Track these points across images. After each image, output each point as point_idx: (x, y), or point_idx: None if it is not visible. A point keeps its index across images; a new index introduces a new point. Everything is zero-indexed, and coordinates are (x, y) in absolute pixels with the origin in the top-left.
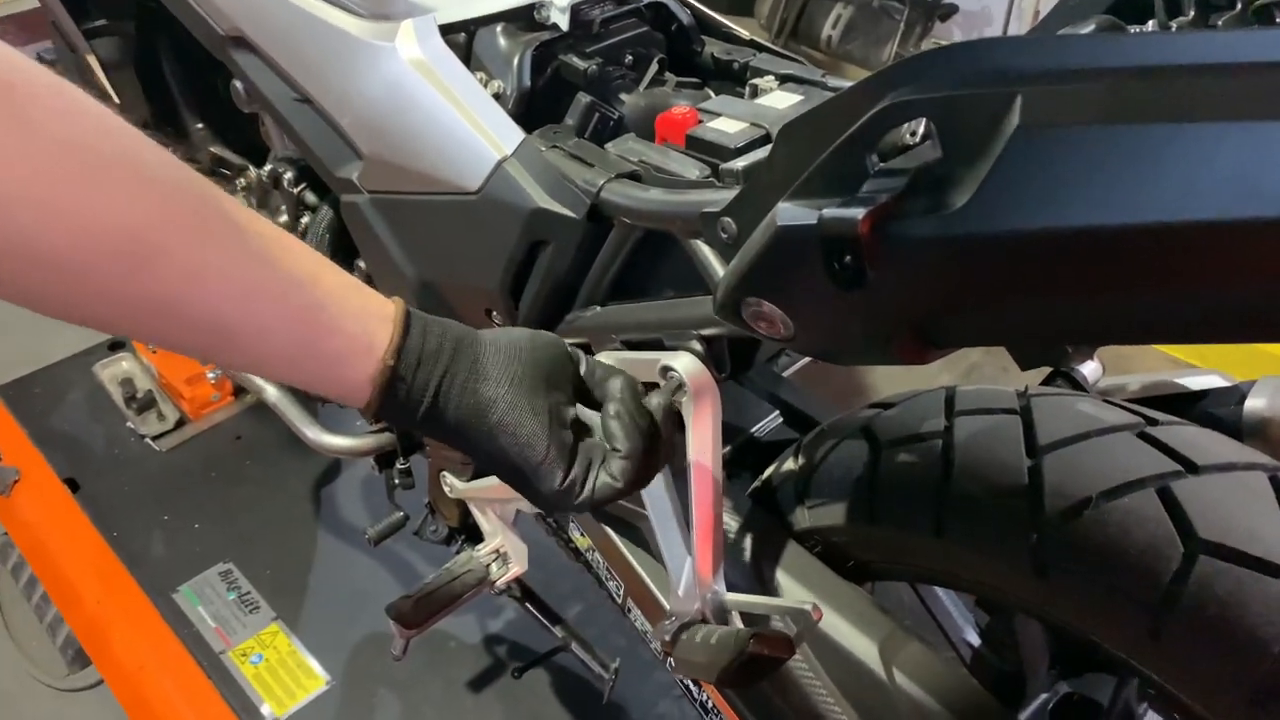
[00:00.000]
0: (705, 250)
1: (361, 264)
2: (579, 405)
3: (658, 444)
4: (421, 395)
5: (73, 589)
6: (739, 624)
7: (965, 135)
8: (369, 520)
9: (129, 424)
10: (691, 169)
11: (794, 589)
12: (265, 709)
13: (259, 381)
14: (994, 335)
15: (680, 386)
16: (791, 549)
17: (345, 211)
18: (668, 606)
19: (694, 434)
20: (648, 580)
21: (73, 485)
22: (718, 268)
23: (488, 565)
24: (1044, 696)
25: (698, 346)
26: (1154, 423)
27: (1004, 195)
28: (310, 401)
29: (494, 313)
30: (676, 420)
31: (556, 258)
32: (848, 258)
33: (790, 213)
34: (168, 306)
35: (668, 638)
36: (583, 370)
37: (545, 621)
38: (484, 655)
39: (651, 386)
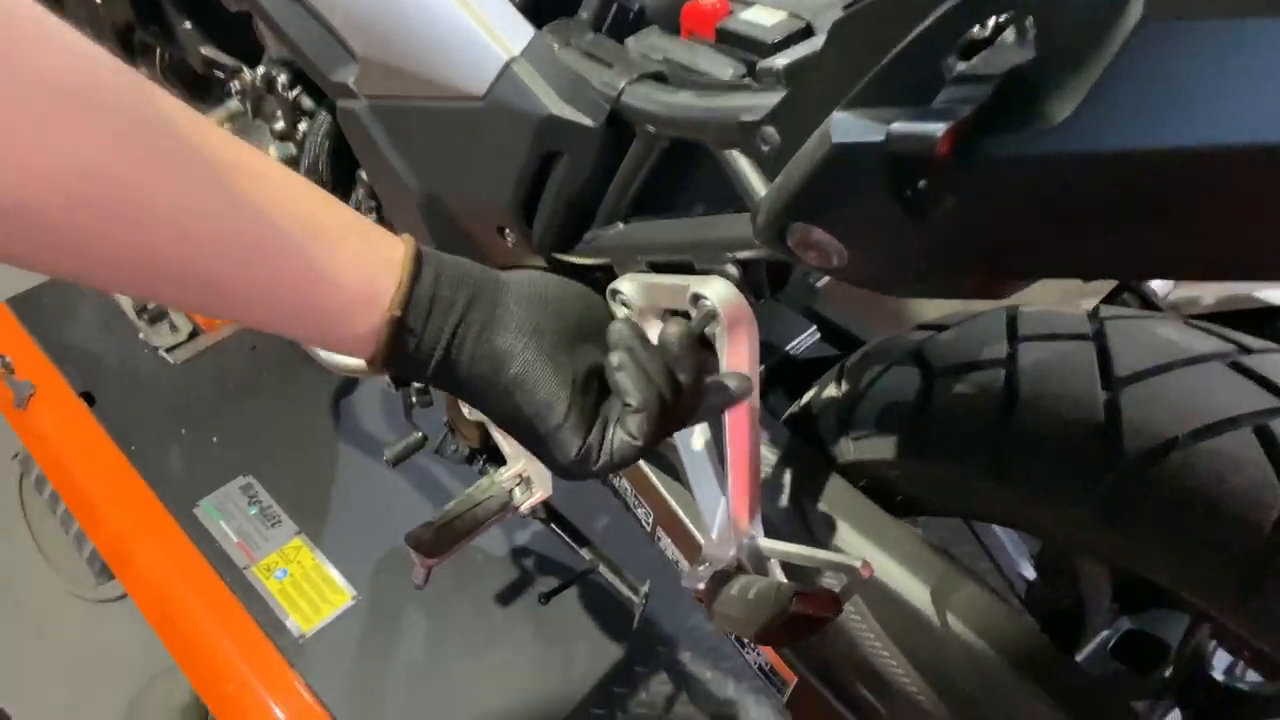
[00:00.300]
0: (743, 163)
1: (365, 175)
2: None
3: (679, 386)
4: (433, 347)
5: (92, 505)
6: (779, 575)
7: (1069, 30)
8: (391, 431)
9: (141, 336)
10: (724, 67)
11: (838, 529)
12: (291, 624)
13: None
14: (1089, 266)
15: (713, 315)
16: (834, 484)
17: (342, 119)
18: (700, 543)
19: (728, 364)
20: (679, 511)
21: (89, 399)
22: (757, 184)
23: (510, 490)
24: (1105, 634)
25: (732, 270)
26: (1247, 350)
27: (1119, 107)
28: None
29: (507, 231)
30: (709, 350)
31: (572, 171)
32: (920, 182)
33: (848, 126)
34: (149, 262)
35: (701, 586)
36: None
37: (572, 544)
38: (512, 570)
39: (683, 314)
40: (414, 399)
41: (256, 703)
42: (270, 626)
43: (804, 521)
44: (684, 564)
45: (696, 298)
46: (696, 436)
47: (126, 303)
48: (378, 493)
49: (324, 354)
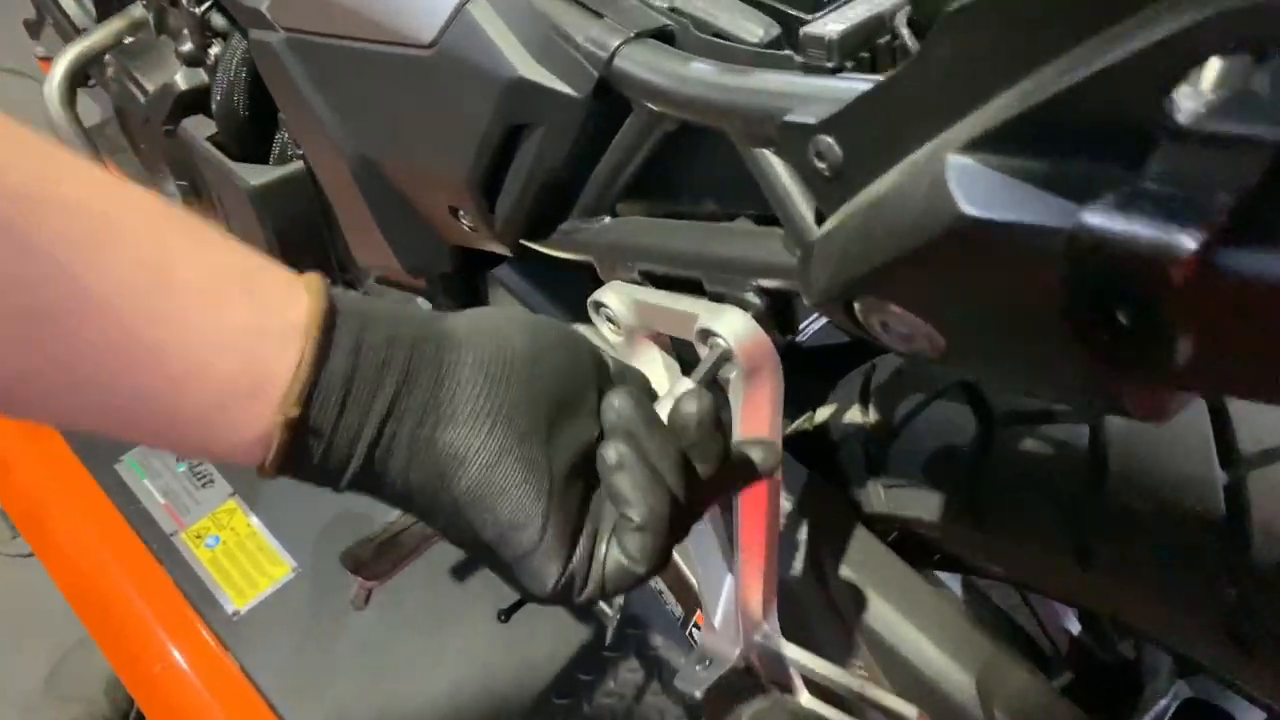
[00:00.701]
0: (777, 167)
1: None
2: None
3: (697, 483)
4: (348, 454)
5: None
6: (802, 692)
7: None
8: None
9: None
10: (753, 25)
11: (865, 601)
12: (224, 598)
13: None
14: None
15: (727, 358)
16: (860, 540)
17: (255, 52)
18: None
19: (744, 423)
20: (679, 562)
21: None
22: (800, 204)
23: None
24: (1162, 704)
25: (753, 299)
26: None
27: None
28: None
29: (461, 213)
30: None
31: (546, 148)
32: (1119, 301)
33: (984, 190)
34: None
35: (698, 693)
36: (612, 367)
37: None
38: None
39: (683, 343)
40: None
41: (183, 686)
42: (200, 601)
43: (822, 587)
44: (676, 608)
45: (706, 334)
46: None
47: None
48: None
49: None
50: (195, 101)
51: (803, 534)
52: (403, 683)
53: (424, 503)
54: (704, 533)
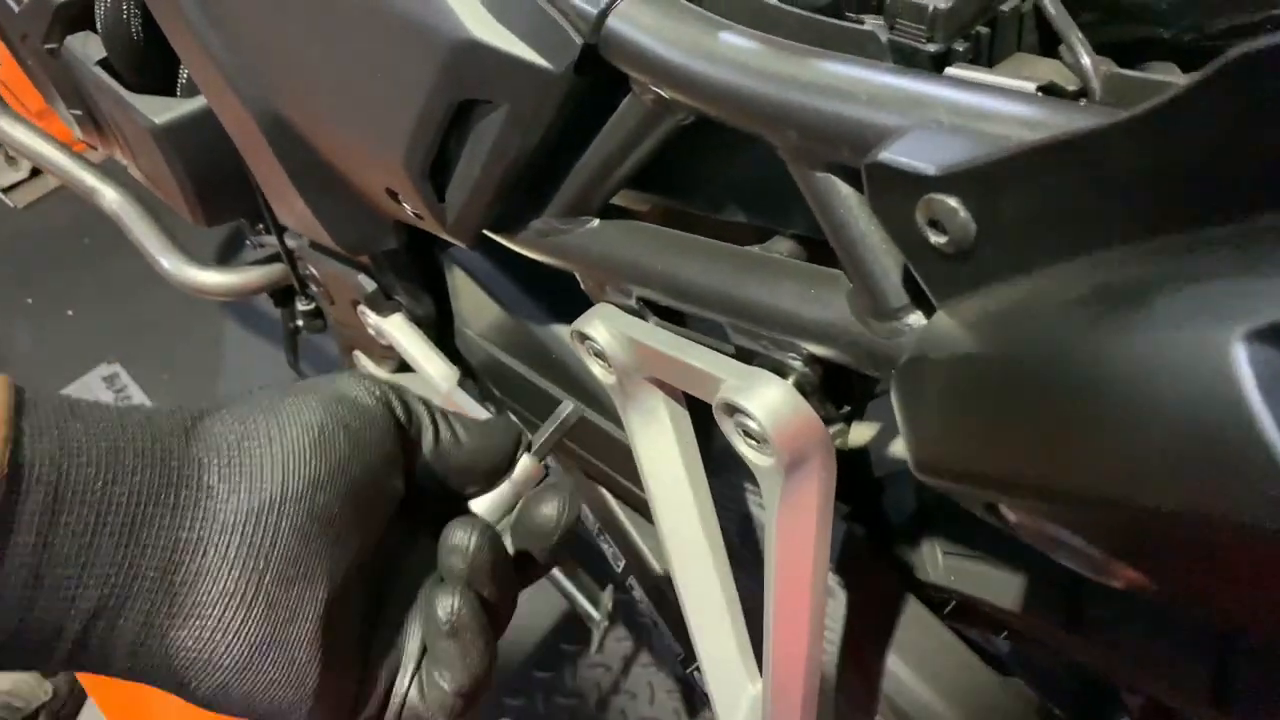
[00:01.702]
0: (848, 199)
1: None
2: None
3: (492, 632)
4: (46, 651)
5: None
6: None
7: None
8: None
9: None
10: None
11: (921, 693)
12: None
13: (89, 176)
14: None
15: (759, 440)
16: (914, 614)
17: None
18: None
19: (780, 527)
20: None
21: None
22: (879, 255)
23: None
24: None
25: (801, 365)
26: None
27: None
28: (167, 212)
29: (401, 198)
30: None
31: (509, 133)
32: None
33: None
34: None
35: None
36: (427, 449)
37: None
38: None
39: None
40: (299, 322)
41: None
42: None
43: (864, 678)
44: (674, 644)
45: (732, 409)
46: (718, 597)
47: None
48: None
49: (168, 263)
50: (80, 15)
51: (839, 609)
52: None
53: (164, 688)
54: (721, 635)
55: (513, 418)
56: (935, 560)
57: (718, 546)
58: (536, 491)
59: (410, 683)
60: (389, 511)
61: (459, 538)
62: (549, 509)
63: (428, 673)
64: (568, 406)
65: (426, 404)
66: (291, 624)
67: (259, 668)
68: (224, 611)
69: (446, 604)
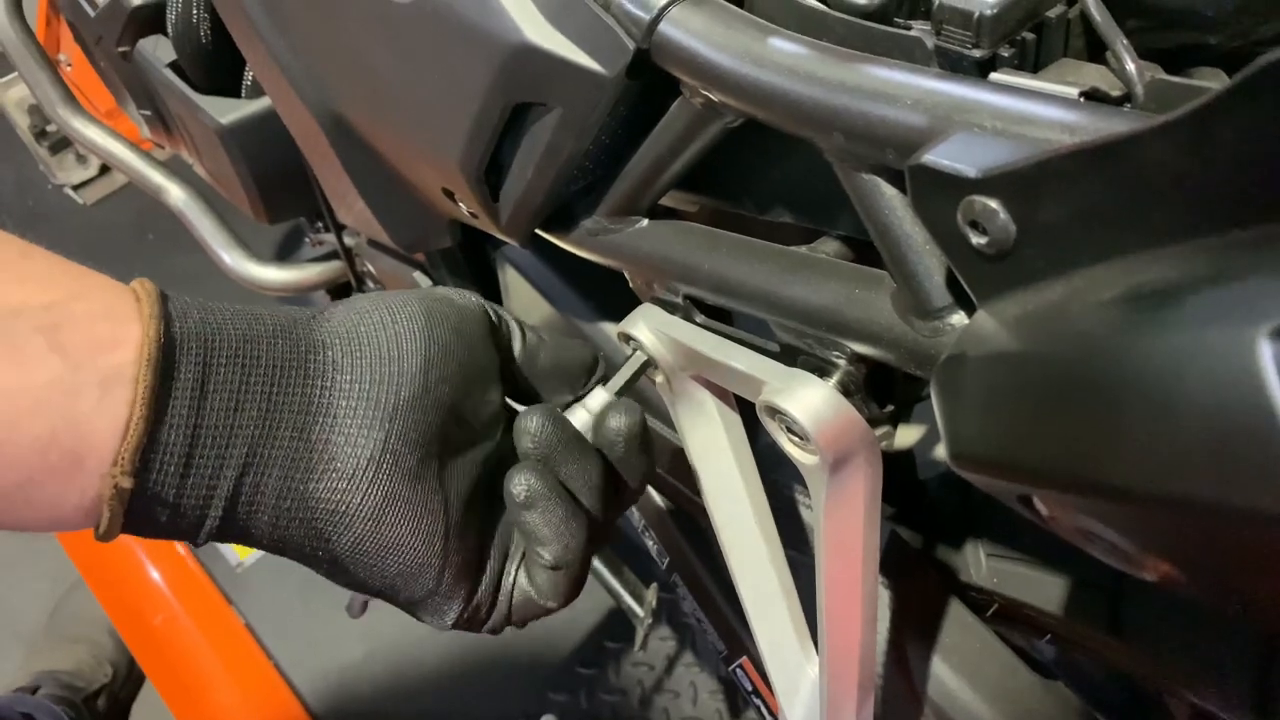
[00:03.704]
0: (893, 201)
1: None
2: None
3: (615, 503)
4: (200, 514)
5: None
6: None
7: None
8: None
9: (42, 168)
10: None
11: (960, 696)
12: (228, 550)
13: (156, 174)
14: None
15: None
16: (957, 617)
17: None
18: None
19: (828, 523)
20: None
21: None
22: (922, 256)
23: None
24: None
25: (845, 364)
26: None
27: None
28: (230, 209)
29: (457, 197)
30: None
31: (563, 135)
32: None
33: None
34: None
35: None
36: (517, 350)
37: None
38: None
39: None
40: None
41: (184, 639)
42: (203, 552)
43: (905, 679)
44: (719, 643)
45: (774, 411)
46: (774, 584)
47: (23, 125)
48: None
49: (230, 259)
50: (152, 19)
51: (883, 610)
52: (411, 641)
53: (300, 558)
54: (778, 620)
55: None
56: (979, 563)
57: (771, 537)
58: (604, 409)
59: (518, 567)
60: (492, 408)
61: (526, 422)
62: (615, 420)
63: (528, 553)
64: (642, 356)
65: (511, 314)
66: (417, 483)
67: (391, 521)
68: (355, 465)
69: (518, 480)
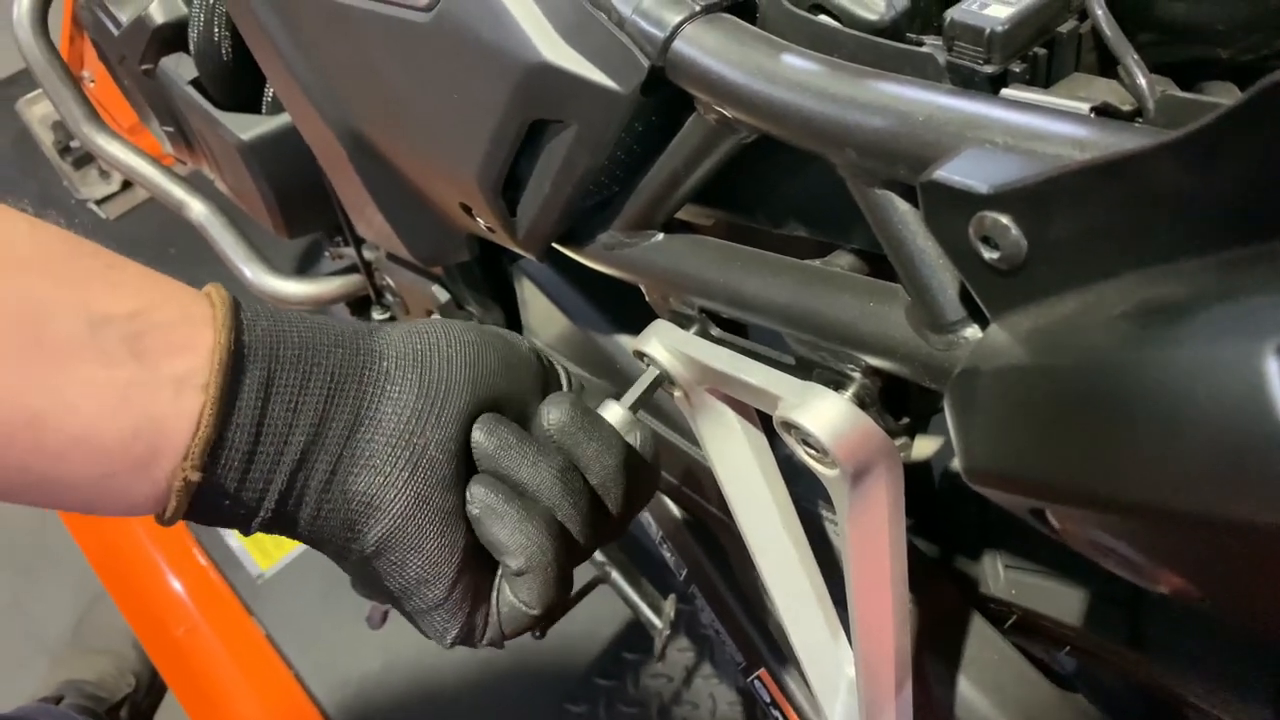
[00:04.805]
0: (906, 216)
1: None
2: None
3: (600, 509)
4: (256, 505)
5: None
6: None
7: None
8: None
9: (66, 183)
10: (874, 0)
11: (980, 707)
12: (249, 561)
13: (178, 190)
14: None
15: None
16: (975, 632)
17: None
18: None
19: (853, 533)
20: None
21: None
22: (935, 270)
23: None
24: None
25: (860, 377)
26: None
27: None
28: (250, 224)
29: (475, 212)
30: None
31: (579, 151)
32: None
33: None
34: None
35: None
36: (560, 385)
37: None
38: None
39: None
40: None
41: (205, 650)
42: (224, 563)
43: (928, 680)
44: (737, 654)
45: (789, 426)
46: (805, 588)
47: (47, 141)
48: None
49: (250, 272)
50: (175, 37)
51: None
52: (430, 652)
53: (333, 551)
54: (813, 621)
55: None
56: (996, 574)
57: (800, 541)
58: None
59: (500, 577)
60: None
61: (475, 433)
62: (629, 438)
63: (500, 563)
64: (654, 371)
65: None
66: (448, 493)
67: (418, 521)
68: (393, 465)
69: (468, 493)
